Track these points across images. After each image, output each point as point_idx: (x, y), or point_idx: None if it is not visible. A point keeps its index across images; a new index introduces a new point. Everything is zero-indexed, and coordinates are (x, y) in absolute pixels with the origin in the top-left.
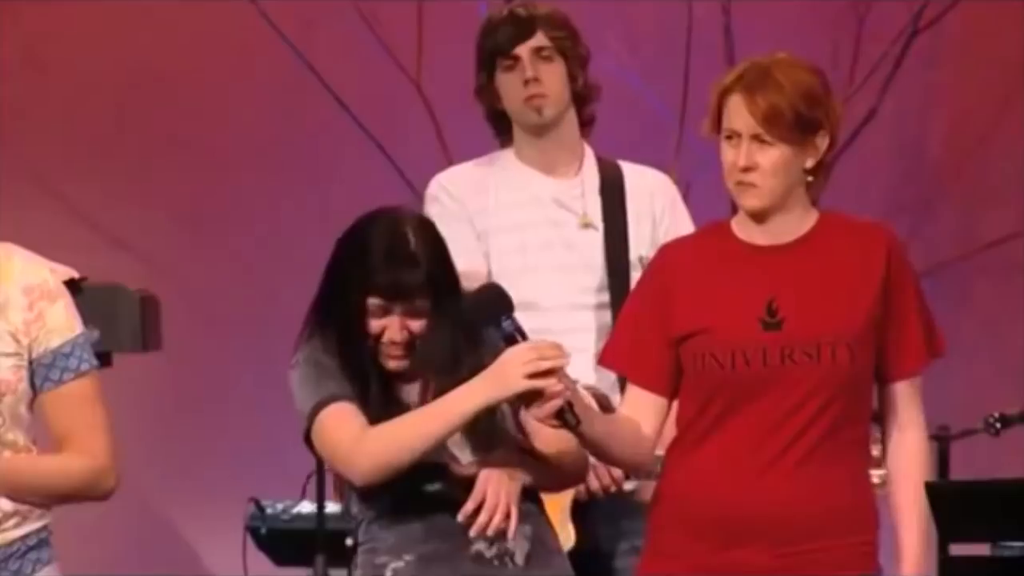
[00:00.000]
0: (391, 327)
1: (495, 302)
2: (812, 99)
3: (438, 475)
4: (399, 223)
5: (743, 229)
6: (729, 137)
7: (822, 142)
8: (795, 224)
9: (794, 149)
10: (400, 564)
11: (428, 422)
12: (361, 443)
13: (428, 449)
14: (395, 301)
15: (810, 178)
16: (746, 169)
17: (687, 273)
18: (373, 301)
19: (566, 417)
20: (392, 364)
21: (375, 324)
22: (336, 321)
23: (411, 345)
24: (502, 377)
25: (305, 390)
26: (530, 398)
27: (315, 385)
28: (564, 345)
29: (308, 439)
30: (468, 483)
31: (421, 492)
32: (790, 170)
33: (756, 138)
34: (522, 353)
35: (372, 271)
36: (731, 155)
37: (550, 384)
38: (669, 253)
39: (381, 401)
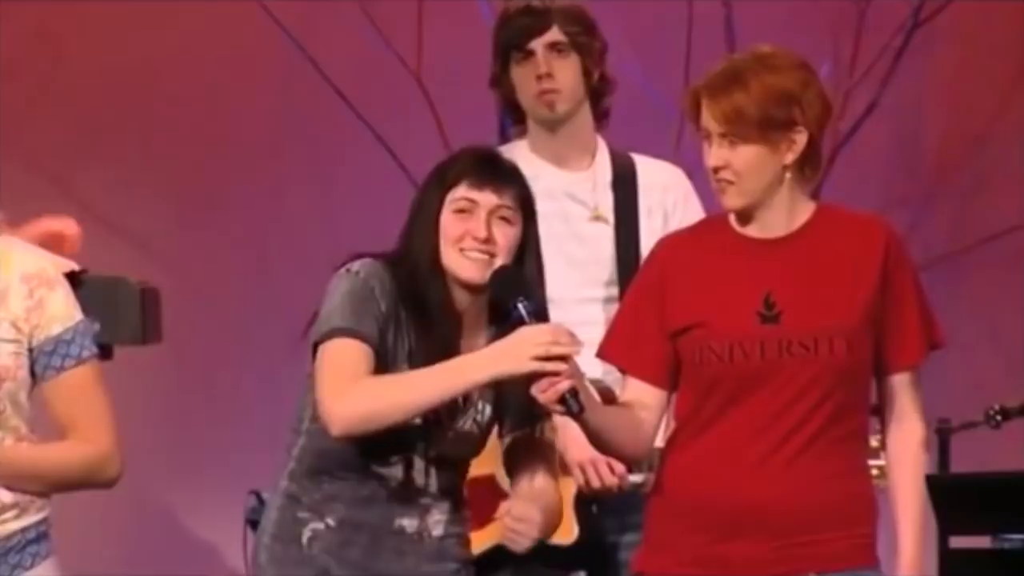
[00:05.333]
0: (478, 222)
1: (511, 283)
2: (782, 98)
3: (399, 460)
4: (483, 145)
5: (740, 223)
6: (705, 137)
7: (800, 138)
8: (786, 218)
9: (766, 147)
10: (320, 527)
11: (425, 385)
12: (354, 390)
13: (420, 410)
14: (484, 188)
15: (788, 174)
16: (717, 168)
17: (685, 266)
18: (457, 194)
19: (569, 403)
20: (469, 269)
21: (457, 224)
22: (416, 230)
23: (492, 256)
24: (512, 354)
25: (340, 306)
26: (536, 379)
27: (350, 309)
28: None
29: (314, 350)
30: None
31: (371, 466)
32: (765, 168)
33: (725, 138)
34: (537, 334)
35: (464, 163)
36: (706, 155)
37: (558, 368)
38: (667, 246)
39: (427, 336)
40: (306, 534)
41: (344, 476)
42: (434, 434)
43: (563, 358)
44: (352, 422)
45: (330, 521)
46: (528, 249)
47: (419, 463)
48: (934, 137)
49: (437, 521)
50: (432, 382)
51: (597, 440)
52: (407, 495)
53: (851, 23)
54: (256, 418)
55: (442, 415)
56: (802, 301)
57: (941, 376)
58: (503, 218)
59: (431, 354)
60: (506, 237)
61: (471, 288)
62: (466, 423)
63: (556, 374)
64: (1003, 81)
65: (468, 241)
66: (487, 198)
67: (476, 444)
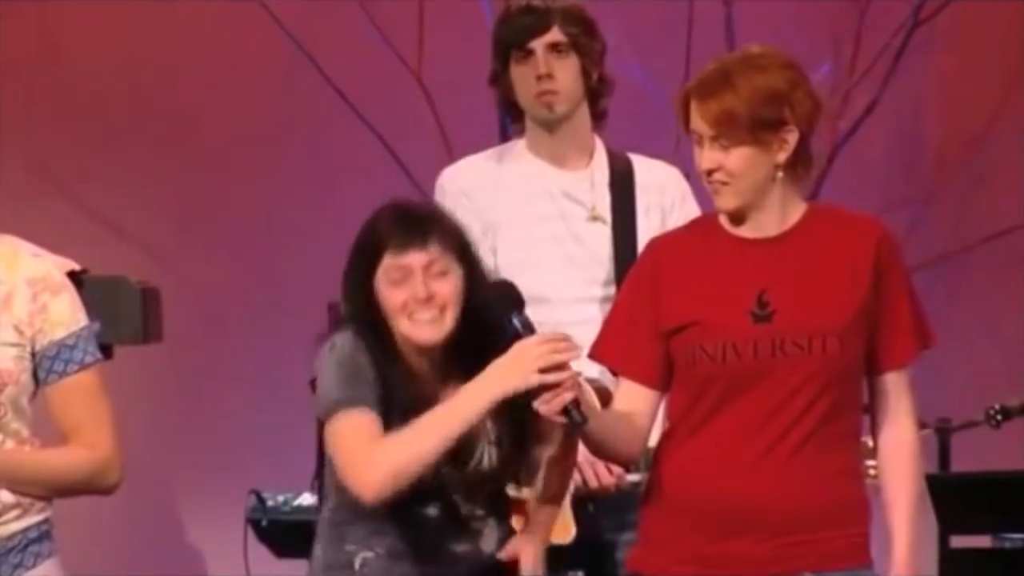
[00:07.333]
0: (417, 285)
1: (504, 298)
2: (771, 99)
3: (437, 500)
4: (401, 198)
5: (732, 223)
6: (696, 140)
7: (791, 137)
8: (778, 217)
9: (758, 148)
10: (370, 555)
11: (440, 425)
12: (373, 456)
13: (442, 449)
14: (408, 250)
15: (780, 174)
16: (710, 171)
17: (677, 266)
18: (388, 263)
19: (572, 414)
20: (424, 333)
21: (396, 294)
22: (359, 309)
23: (442, 311)
24: (515, 371)
25: (334, 379)
26: (538, 391)
27: (346, 380)
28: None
29: (320, 423)
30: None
31: (412, 509)
32: (757, 168)
33: (716, 140)
34: (534, 347)
35: (381, 232)
36: (697, 158)
37: (562, 377)
38: (658, 247)
39: (406, 401)
40: (357, 561)
41: (387, 517)
42: (461, 469)
43: (563, 365)
44: (382, 486)
45: (379, 549)
46: (478, 283)
47: (458, 498)
48: (934, 137)
49: (488, 540)
50: (444, 419)
51: (594, 446)
52: (456, 525)
53: (851, 23)
54: (256, 418)
55: (458, 453)
56: (795, 300)
57: (941, 375)
58: (438, 272)
59: (411, 408)
60: (448, 287)
61: (430, 350)
62: (484, 452)
63: (560, 384)
64: (1003, 81)
65: (412, 305)
66: (415, 259)
67: (505, 459)
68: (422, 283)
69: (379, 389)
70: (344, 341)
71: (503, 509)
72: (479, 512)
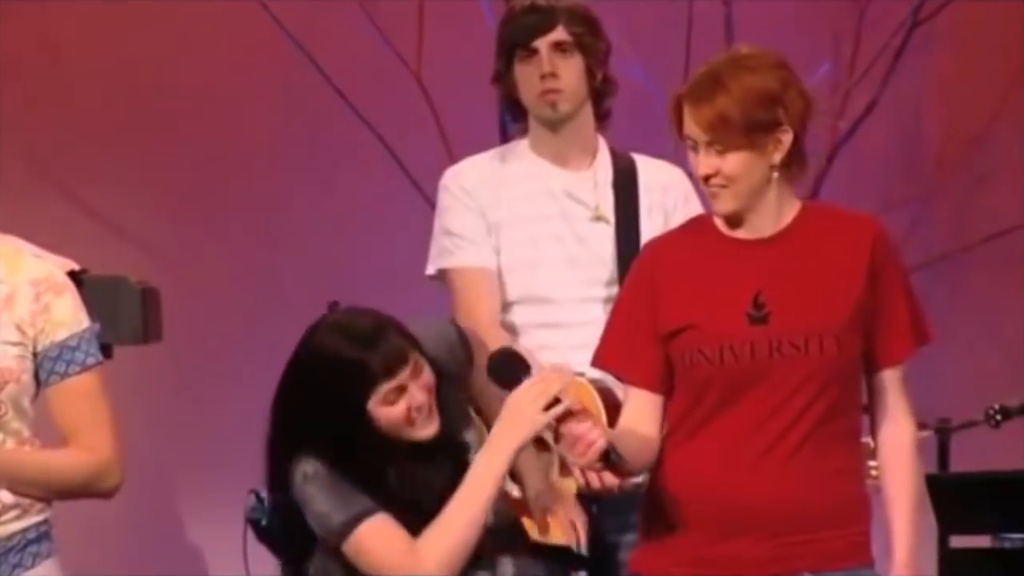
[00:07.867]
0: (413, 396)
1: (512, 364)
2: (764, 100)
3: None
4: (336, 321)
5: (728, 225)
6: (691, 146)
7: (785, 137)
8: (774, 218)
9: (754, 151)
10: None
11: (472, 500)
12: (418, 554)
13: (485, 516)
14: (398, 371)
15: (775, 174)
16: (707, 177)
17: (673, 269)
18: (385, 389)
19: (611, 459)
20: (428, 429)
21: (396, 410)
22: (345, 440)
23: (430, 401)
24: (522, 420)
25: (330, 503)
26: (556, 438)
27: (342, 499)
28: (569, 342)
29: (337, 547)
30: None
31: None
32: (754, 171)
33: (711, 145)
34: (529, 390)
35: (360, 365)
36: (693, 163)
37: (568, 406)
38: (654, 250)
39: (410, 491)
40: None
41: None
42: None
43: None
44: (445, 573)
45: None
46: (429, 358)
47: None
48: (934, 137)
49: (506, 568)
50: (474, 494)
51: (615, 470)
52: (476, 562)
53: (851, 23)
54: (256, 418)
55: None
56: (790, 301)
57: (941, 375)
58: (419, 370)
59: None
60: (428, 377)
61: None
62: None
63: (571, 411)
64: (1003, 81)
65: (413, 414)
66: (405, 375)
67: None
68: (417, 390)
69: (379, 499)
70: (316, 468)
71: (520, 530)
72: (491, 546)
